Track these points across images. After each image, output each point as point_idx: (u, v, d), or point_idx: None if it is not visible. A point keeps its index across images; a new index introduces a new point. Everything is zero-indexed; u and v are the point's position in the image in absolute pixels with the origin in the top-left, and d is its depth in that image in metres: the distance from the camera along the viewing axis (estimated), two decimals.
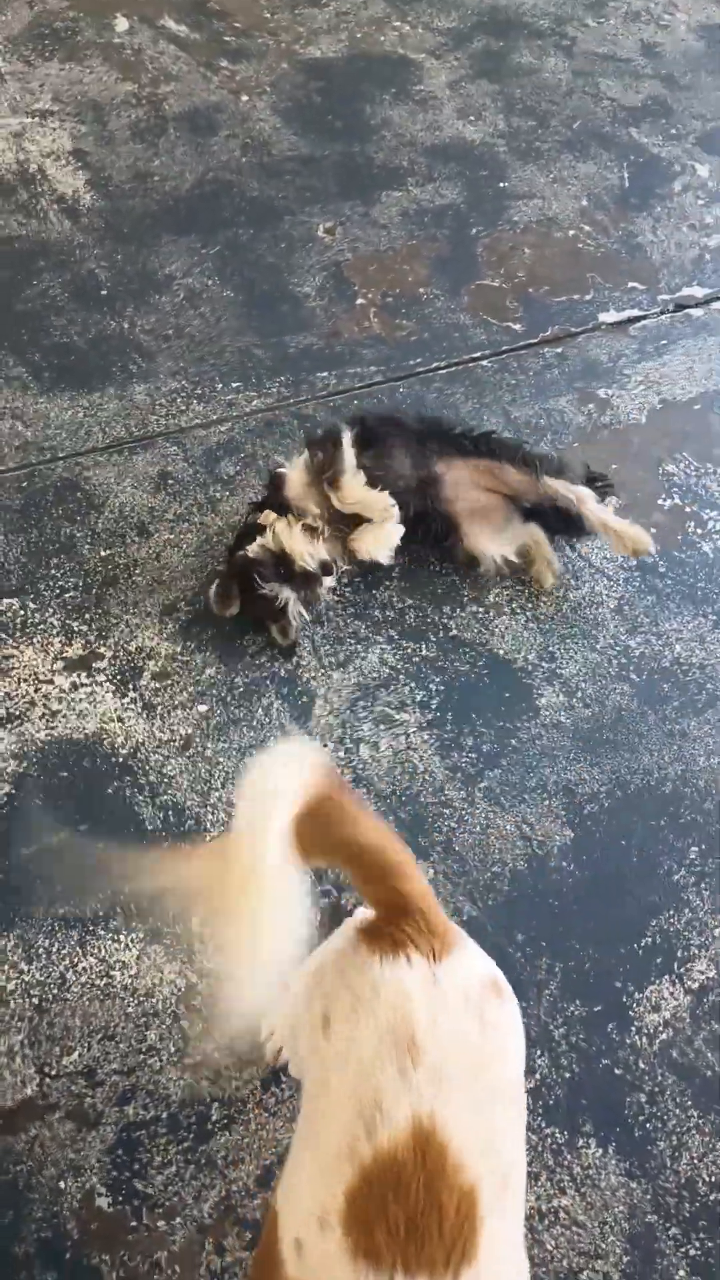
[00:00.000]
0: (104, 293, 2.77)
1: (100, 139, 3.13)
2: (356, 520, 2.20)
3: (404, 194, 3.14)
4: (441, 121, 3.37)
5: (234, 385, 2.64)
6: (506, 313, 2.91)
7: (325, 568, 2.18)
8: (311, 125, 3.29)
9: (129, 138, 3.15)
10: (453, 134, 3.34)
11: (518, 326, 2.88)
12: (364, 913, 1.26)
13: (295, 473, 2.22)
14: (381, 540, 2.17)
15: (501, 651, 2.29)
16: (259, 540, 2.18)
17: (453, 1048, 1.09)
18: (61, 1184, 1.66)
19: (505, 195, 3.19)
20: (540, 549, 2.35)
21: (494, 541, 2.32)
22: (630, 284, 3.03)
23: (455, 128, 3.36)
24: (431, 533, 2.30)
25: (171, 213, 2.98)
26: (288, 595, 2.15)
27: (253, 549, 2.16)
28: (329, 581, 2.22)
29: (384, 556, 2.19)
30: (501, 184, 3.21)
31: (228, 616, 2.21)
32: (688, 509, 2.57)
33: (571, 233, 3.12)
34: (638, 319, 2.95)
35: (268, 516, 2.21)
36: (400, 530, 2.18)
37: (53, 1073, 1.74)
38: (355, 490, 2.16)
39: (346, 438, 2.20)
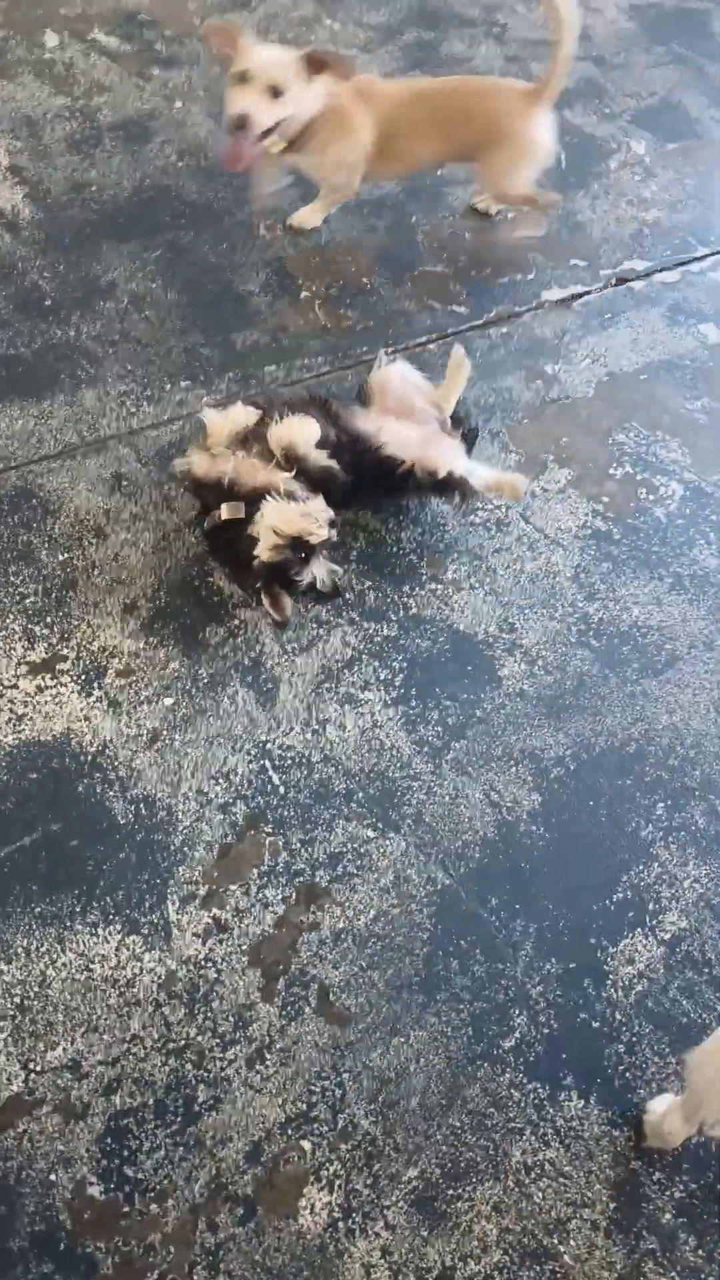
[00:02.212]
0: (48, 303, 2.79)
1: (36, 153, 3.15)
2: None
3: None
4: None
5: (183, 384, 2.66)
6: (451, 296, 2.94)
7: (331, 523, 2.13)
8: None
9: (65, 150, 3.17)
10: None
11: (463, 309, 2.91)
12: None
13: (197, 455, 2.23)
14: (295, 425, 2.16)
15: (462, 626, 2.31)
16: (266, 544, 2.10)
17: None
18: (52, 1176, 1.67)
19: (442, 182, 3.22)
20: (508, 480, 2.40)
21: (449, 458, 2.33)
22: (572, 261, 3.07)
23: None
24: (382, 474, 2.29)
25: (111, 220, 3.00)
26: (315, 571, 2.14)
27: (265, 553, 2.10)
28: (331, 527, 2.16)
29: (305, 437, 2.16)
30: (438, 171, 3.24)
31: (289, 616, 2.21)
32: (639, 476, 2.60)
33: (511, 215, 3.15)
34: (581, 295, 2.99)
35: (235, 509, 2.14)
36: (312, 422, 2.17)
37: (38, 1068, 1.76)
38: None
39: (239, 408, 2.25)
